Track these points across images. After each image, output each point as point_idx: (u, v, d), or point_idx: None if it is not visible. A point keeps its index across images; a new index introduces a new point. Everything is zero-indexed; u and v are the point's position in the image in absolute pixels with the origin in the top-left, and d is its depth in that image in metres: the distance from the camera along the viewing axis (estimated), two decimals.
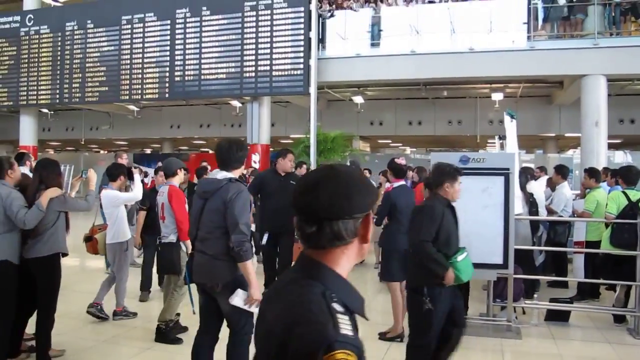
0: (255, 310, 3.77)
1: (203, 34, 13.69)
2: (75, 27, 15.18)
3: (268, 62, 13.08)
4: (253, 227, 6.12)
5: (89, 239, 6.27)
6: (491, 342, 5.75)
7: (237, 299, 3.79)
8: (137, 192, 6.51)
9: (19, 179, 4.92)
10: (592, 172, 7.78)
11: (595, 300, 7.37)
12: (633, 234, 6.24)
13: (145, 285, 7.36)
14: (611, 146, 17.05)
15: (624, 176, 6.87)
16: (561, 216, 7.98)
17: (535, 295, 7.28)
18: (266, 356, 1.27)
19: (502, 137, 7.82)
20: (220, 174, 3.93)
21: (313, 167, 12.52)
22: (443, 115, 18.73)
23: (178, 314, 5.84)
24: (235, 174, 3.96)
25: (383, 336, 5.79)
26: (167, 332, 5.61)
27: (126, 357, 5.22)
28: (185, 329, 5.77)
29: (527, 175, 7.64)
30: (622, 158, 18.28)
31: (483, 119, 18.04)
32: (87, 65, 15.04)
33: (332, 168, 1.38)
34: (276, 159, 7.34)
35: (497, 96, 16.30)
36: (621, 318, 6.53)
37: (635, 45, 11.53)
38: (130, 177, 6.65)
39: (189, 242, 5.14)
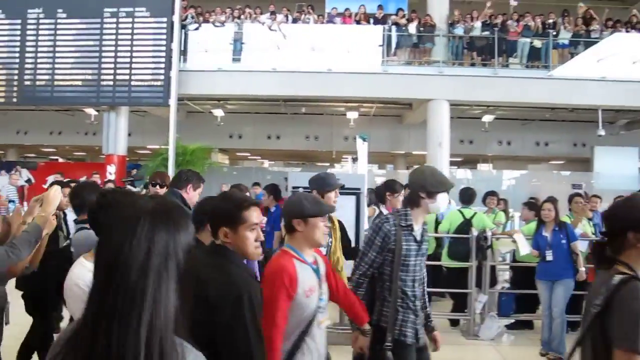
0: None
1: (58, 38, 12.99)
2: None
3: (127, 71, 12.75)
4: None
5: None
6: (345, 349, 6.15)
7: None
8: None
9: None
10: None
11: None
12: (467, 247, 6.97)
13: None
14: (453, 164, 18.56)
15: (460, 196, 7.63)
16: None
17: None
18: None
19: (356, 159, 8.36)
20: None
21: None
22: (301, 130, 19.26)
23: None
24: None
25: None
26: None
27: None
28: None
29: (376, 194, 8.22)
30: (463, 175, 20.02)
31: (338, 136, 18.78)
32: None
33: None
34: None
35: (352, 115, 17.07)
36: (456, 322, 7.31)
37: (473, 75, 12.89)
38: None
39: None
